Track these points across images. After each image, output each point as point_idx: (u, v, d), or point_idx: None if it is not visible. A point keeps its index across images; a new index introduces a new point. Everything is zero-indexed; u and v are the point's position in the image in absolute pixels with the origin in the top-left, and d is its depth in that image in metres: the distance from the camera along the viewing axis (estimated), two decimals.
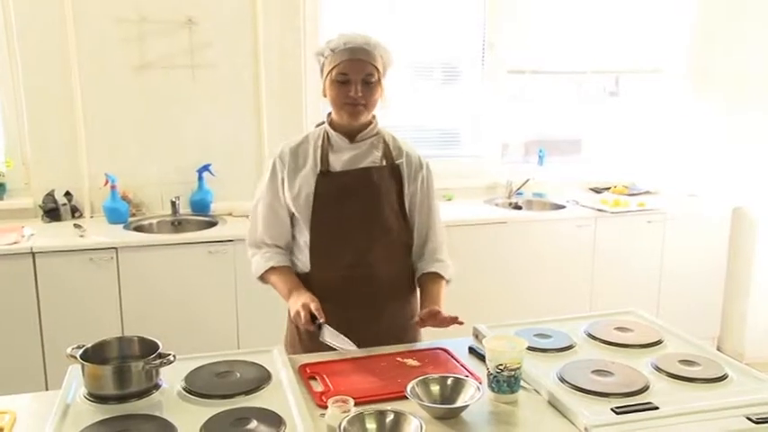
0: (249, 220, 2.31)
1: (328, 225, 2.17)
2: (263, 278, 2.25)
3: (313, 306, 2.04)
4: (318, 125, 2.27)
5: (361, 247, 2.18)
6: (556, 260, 4.21)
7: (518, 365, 1.75)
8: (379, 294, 2.21)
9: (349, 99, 2.10)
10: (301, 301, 2.06)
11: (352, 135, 2.19)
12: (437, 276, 2.25)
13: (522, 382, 1.79)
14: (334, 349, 2.01)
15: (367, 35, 2.12)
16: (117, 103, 3.99)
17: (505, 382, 1.75)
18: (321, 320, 2.03)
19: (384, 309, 2.22)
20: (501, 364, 1.74)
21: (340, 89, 2.10)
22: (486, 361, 1.78)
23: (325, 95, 2.18)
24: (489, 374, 1.77)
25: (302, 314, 2.03)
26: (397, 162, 2.22)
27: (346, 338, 2.01)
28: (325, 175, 2.16)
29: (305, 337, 2.18)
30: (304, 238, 2.21)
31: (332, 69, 2.10)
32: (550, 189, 4.74)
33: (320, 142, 2.20)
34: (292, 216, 2.22)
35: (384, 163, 2.21)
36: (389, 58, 2.16)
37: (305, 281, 2.20)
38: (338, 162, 2.18)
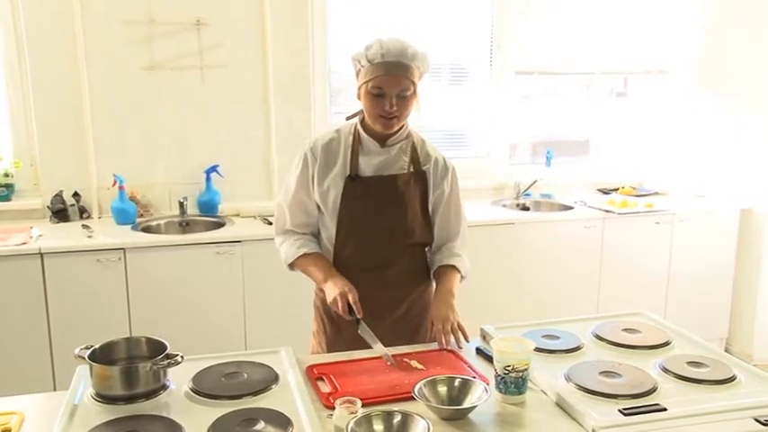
0: (276, 209, 2.34)
1: (353, 228, 2.20)
2: (293, 265, 2.27)
3: (350, 297, 2.07)
4: (349, 117, 2.27)
5: (384, 251, 2.22)
6: (563, 261, 4.20)
7: (526, 367, 1.75)
8: (396, 296, 2.26)
9: (384, 112, 2.10)
10: (338, 290, 2.08)
11: (383, 139, 2.20)
12: (453, 269, 2.27)
13: (529, 384, 1.79)
14: (360, 346, 2.08)
15: (405, 44, 2.09)
16: (125, 104, 4.00)
17: (513, 383, 1.75)
18: (359, 316, 2.06)
19: (399, 307, 2.27)
20: (509, 366, 1.74)
21: (375, 101, 2.10)
22: (494, 362, 1.79)
23: (359, 98, 2.18)
24: (497, 376, 1.77)
25: (340, 303, 2.06)
26: (423, 168, 2.24)
27: (379, 341, 2.04)
28: (354, 180, 2.18)
29: (330, 331, 2.28)
30: (327, 233, 2.25)
31: (367, 81, 2.09)
32: (558, 190, 4.73)
33: (350, 141, 2.21)
34: (318, 208, 2.25)
35: (411, 169, 2.22)
36: (426, 66, 2.15)
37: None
38: (367, 166, 2.20)
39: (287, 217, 2.28)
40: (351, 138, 2.22)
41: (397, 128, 2.16)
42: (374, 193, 2.19)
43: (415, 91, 2.11)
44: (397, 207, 2.21)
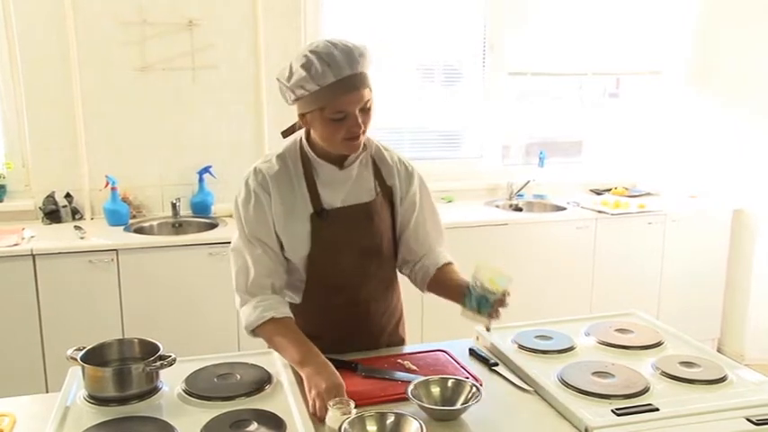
0: (231, 258, 1.98)
1: (325, 266, 1.97)
2: (256, 332, 1.92)
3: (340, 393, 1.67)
4: (286, 132, 2.00)
5: (357, 282, 2.02)
6: (556, 262, 4.20)
7: (497, 291, 1.82)
8: (371, 319, 2.11)
9: (350, 134, 1.82)
10: (325, 385, 1.68)
11: (340, 160, 1.95)
12: (450, 264, 2.11)
13: (522, 383, 1.79)
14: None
15: (348, 48, 1.79)
16: (118, 104, 3.99)
17: (477, 300, 1.82)
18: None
19: (373, 327, 2.13)
20: (480, 283, 1.82)
21: (337, 127, 1.80)
22: (471, 278, 1.85)
23: (305, 125, 1.90)
24: (473, 288, 1.84)
25: (318, 405, 1.66)
26: (389, 184, 2.03)
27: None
28: (321, 215, 1.92)
29: None
30: (295, 273, 2.01)
31: (322, 108, 1.79)
32: (551, 191, 4.74)
33: (301, 169, 1.94)
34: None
35: (379, 189, 2.01)
36: (371, 59, 1.84)
37: (294, 312, 1.96)
38: (331, 196, 1.95)
39: (250, 269, 1.93)
40: (299, 164, 1.94)
41: (361, 145, 1.91)
42: (349, 225, 1.95)
43: (371, 96, 1.84)
44: (373, 233, 1.99)
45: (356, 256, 1.99)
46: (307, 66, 1.76)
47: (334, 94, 1.77)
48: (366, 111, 1.83)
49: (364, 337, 2.11)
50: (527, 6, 4.70)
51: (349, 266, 1.99)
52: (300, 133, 2.00)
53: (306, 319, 1.99)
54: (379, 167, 2.03)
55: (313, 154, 1.95)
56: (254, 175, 1.95)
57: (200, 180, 4.10)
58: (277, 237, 1.95)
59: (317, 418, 1.63)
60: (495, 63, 4.69)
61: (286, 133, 2.01)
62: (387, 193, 2.03)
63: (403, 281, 2.22)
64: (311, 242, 1.93)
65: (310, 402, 1.69)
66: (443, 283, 2.06)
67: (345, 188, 1.97)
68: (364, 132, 1.86)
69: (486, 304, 1.82)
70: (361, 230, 1.98)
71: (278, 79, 1.87)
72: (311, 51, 1.78)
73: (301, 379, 1.79)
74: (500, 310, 1.85)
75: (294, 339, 1.85)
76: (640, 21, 4.89)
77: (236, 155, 4.19)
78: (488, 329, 1.91)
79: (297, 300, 2.05)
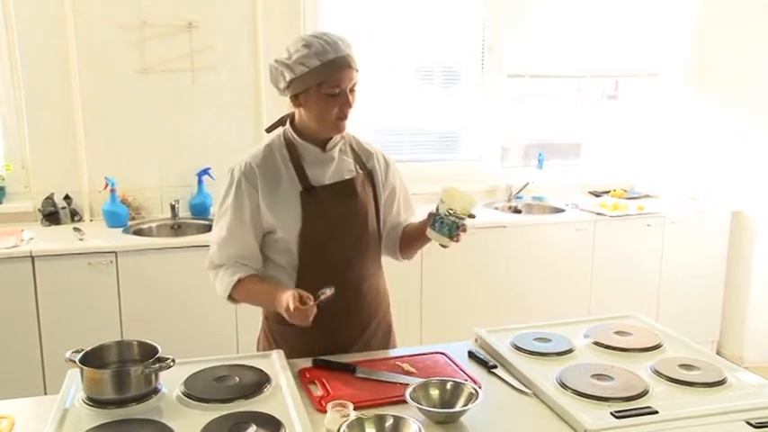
0: (211, 243, 2.13)
1: (317, 244, 2.05)
2: (232, 297, 2.09)
3: (298, 294, 1.86)
4: (270, 129, 2.15)
5: (350, 259, 2.10)
6: (555, 264, 4.21)
7: (464, 216, 1.95)
8: (365, 300, 2.16)
9: (341, 113, 1.98)
10: (289, 295, 1.86)
11: (322, 144, 2.08)
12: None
13: (521, 386, 1.80)
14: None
15: (336, 35, 1.98)
16: (117, 106, 3.99)
17: (448, 225, 1.94)
18: (318, 300, 1.86)
19: (366, 309, 2.17)
20: (452, 209, 1.93)
21: (332, 103, 1.96)
22: (439, 203, 1.96)
23: (300, 106, 2.03)
24: (436, 215, 1.96)
25: (291, 305, 1.83)
26: (368, 167, 2.16)
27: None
28: (309, 192, 2.03)
29: (277, 338, 2.15)
30: (287, 258, 2.08)
31: (321, 82, 1.94)
32: (550, 193, 4.74)
33: (286, 153, 2.07)
34: (265, 237, 2.08)
35: (359, 170, 2.13)
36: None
37: None
38: (318, 176, 2.06)
39: (223, 250, 2.08)
40: (285, 150, 2.07)
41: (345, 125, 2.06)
42: (336, 201, 2.06)
43: None
44: (358, 211, 2.10)
45: (346, 233, 2.08)
46: (308, 44, 1.94)
47: (333, 68, 1.93)
48: (353, 92, 2.00)
49: (357, 320, 2.15)
50: (526, 8, 4.71)
51: (340, 243, 2.08)
52: (284, 127, 2.13)
53: None
54: (357, 153, 2.17)
55: (297, 137, 2.08)
56: (239, 167, 2.07)
57: (200, 182, 4.10)
58: (261, 225, 2.05)
59: (296, 315, 1.82)
60: (493, 65, 4.69)
61: (270, 129, 2.17)
62: (368, 175, 2.16)
63: (392, 281, 2.27)
64: (302, 218, 2.03)
65: (292, 314, 1.83)
66: (410, 231, 2.23)
67: (330, 168, 2.09)
68: (349, 114, 2.02)
69: (454, 229, 1.96)
70: (348, 206, 2.09)
71: (275, 61, 2.01)
72: (311, 35, 1.97)
73: (299, 380, 1.81)
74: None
75: (263, 283, 2.07)
76: (638, 23, 4.89)
77: (236, 157, 4.14)
78: (446, 246, 2.03)
79: (291, 286, 2.06)
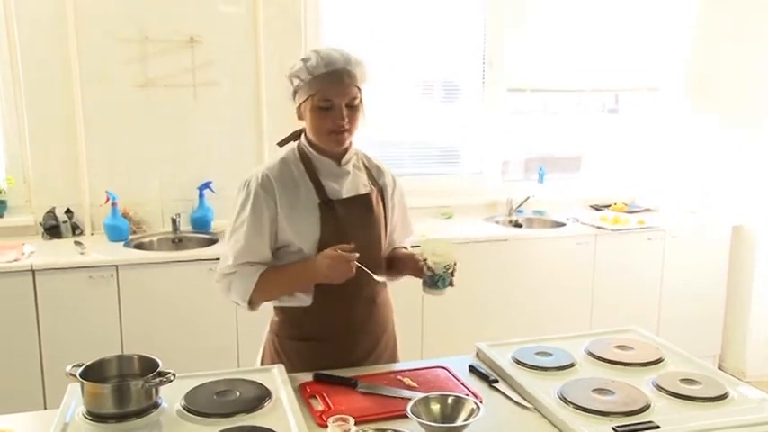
0: (221, 257, 2.13)
1: None
2: (251, 302, 2.09)
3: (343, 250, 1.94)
4: (282, 143, 2.17)
5: (364, 274, 2.06)
6: (556, 278, 4.20)
7: (452, 263, 2.04)
8: (378, 313, 2.20)
9: (335, 127, 1.99)
10: (326, 251, 1.96)
11: (337, 158, 2.10)
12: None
13: (522, 400, 1.82)
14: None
15: (345, 52, 2.01)
16: (118, 120, 4.00)
17: (439, 281, 2.03)
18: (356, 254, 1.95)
19: (379, 321, 2.21)
20: (446, 264, 2.01)
21: (323, 116, 1.99)
22: (431, 263, 2.02)
23: (301, 118, 2.07)
24: (434, 275, 2.03)
25: (334, 253, 1.93)
26: (380, 183, 2.20)
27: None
28: (328, 205, 2.05)
29: (290, 354, 2.14)
30: None
31: (313, 95, 1.98)
32: (550, 207, 4.75)
33: (302, 167, 2.08)
34: (278, 251, 2.09)
35: (372, 186, 2.17)
36: (367, 74, 2.05)
37: (303, 316, 2.10)
38: (334, 189, 2.08)
39: (233, 262, 2.07)
40: (300, 164, 2.09)
41: (348, 143, 2.07)
42: (353, 215, 2.08)
43: (361, 99, 2.03)
44: (376, 226, 2.13)
45: (363, 247, 2.03)
46: (306, 58, 2.00)
47: (322, 83, 1.97)
48: (352, 109, 2.01)
49: (371, 332, 2.17)
50: (526, 23, 4.73)
51: (358, 257, 2.02)
52: (297, 141, 2.15)
53: (317, 322, 2.09)
54: (369, 169, 2.20)
55: (312, 150, 2.09)
56: (256, 179, 2.07)
57: (201, 196, 4.10)
58: (277, 237, 2.05)
59: (340, 264, 1.93)
60: (494, 79, 4.71)
61: (282, 143, 2.18)
62: (379, 190, 2.19)
63: (393, 295, 2.31)
64: (321, 230, 2.04)
65: (340, 270, 1.94)
66: (394, 260, 2.26)
67: (346, 182, 2.11)
68: (351, 131, 2.03)
69: (444, 282, 2.04)
70: (364, 220, 2.11)
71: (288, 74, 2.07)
72: (314, 51, 2.02)
73: (299, 394, 1.81)
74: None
75: (285, 266, 2.07)
76: (638, 37, 4.92)
77: (237, 171, 4.14)
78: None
79: (308, 301, 2.09)
